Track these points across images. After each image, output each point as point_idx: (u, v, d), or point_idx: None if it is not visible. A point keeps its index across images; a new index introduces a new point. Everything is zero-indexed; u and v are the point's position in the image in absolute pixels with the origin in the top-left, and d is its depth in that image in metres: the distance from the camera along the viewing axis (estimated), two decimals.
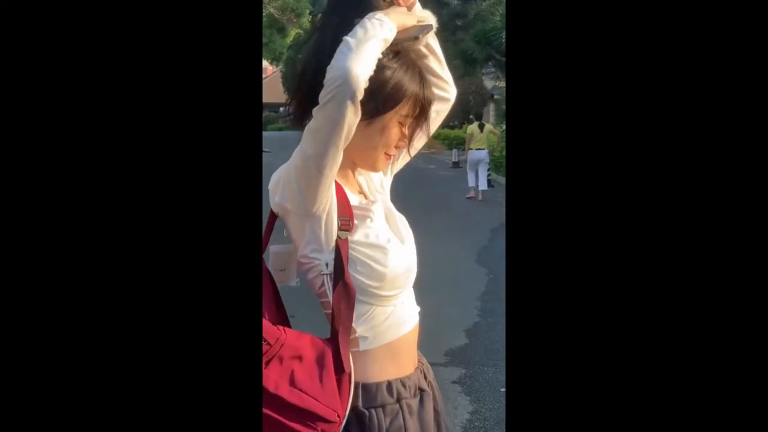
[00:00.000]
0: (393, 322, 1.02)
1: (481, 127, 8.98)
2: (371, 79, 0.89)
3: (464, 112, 14.00)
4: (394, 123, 0.99)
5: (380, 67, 0.91)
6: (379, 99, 0.94)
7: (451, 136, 15.75)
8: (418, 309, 1.07)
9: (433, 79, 1.06)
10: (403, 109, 0.98)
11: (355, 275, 0.97)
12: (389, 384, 1.01)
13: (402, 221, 1.08)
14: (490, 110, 17.74)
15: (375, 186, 1.11)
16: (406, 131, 1.02)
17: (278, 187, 0.99)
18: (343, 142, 0.90)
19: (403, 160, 1.14)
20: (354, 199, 1.02)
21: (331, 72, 0.87)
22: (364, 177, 1.10)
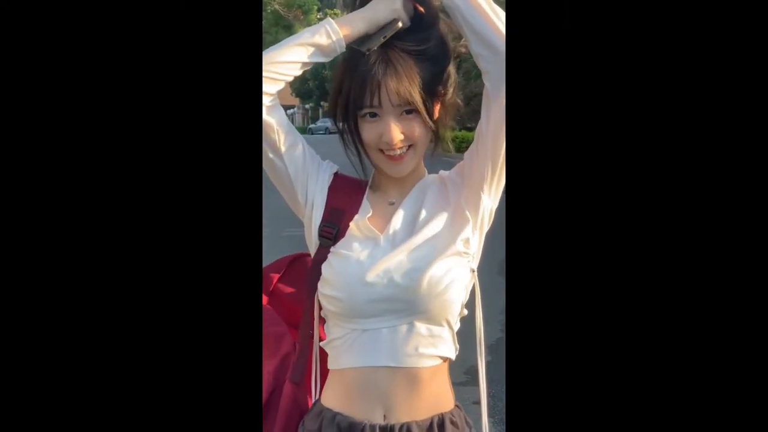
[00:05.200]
0: (350, 348, 0.95)
1: None
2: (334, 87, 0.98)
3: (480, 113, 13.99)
4: (360, 122, 0.96)
5: (341, 64, 0.98)
6: (338, 101, 0.98)
7: (469, 139, 15.66)
8: (412, 354, 0.93)
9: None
10: (360, 101, 0.94)
11: (321, 284, 0.97)
12: (335, 416, 0.95)
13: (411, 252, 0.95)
14: None
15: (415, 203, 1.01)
16: (393, 126, 0.93)
17: None
18: (270, 148, 0.97)
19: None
20: (365, 209, 1.00)
21: None
22: (396, 187, 1.04)
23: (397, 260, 0.93)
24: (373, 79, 0.91)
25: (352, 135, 0.98)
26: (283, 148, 0.98)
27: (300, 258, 1.12)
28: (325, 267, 0.97)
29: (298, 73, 0.96)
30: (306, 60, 0.95)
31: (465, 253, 0.96)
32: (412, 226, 0.97)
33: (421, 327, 0.93)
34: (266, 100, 0.94)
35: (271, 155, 0.98)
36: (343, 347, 0.96)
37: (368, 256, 0.94)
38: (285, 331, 1.09)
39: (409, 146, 0.96)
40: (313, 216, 1.00)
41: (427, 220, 0.97)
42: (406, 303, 0.92)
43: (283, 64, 0.93)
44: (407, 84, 0.91)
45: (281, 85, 0.95)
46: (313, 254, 1.00)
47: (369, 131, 0.95)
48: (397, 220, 0.98)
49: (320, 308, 1.00)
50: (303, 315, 1.03)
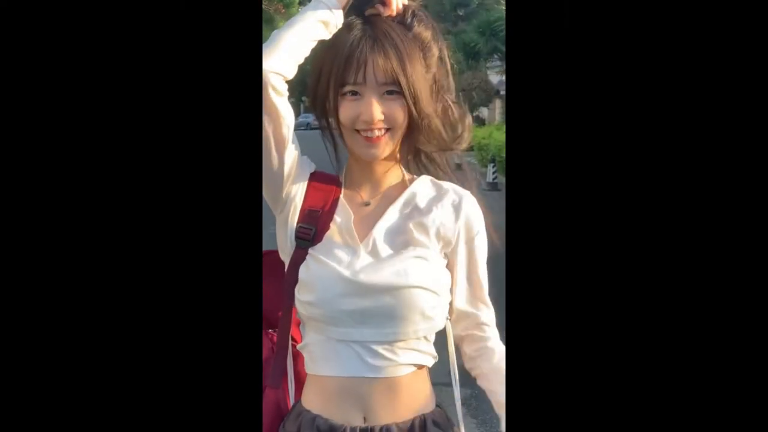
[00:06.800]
0: (326, 356, 0.95)
1: None
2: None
3: (468, 109, 13.94)
4: (340, 101, 0.95)
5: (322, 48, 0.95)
6: (318, 83, 0.96)
7: None
8: (392, 364, 0.93)
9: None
10: (343, 77, 0.92)
11: (297, 287, 0.96)
12: (315, 418, 0.95)
13: (399, 261, 0.94)
14: (496, 107, 17.74)
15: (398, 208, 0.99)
16: (374, 103, 0.92)
17: None
18: (276, 142, 0.94)
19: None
20: (345, 211, 0.99)
21: None
22: (372, 183, 1.02)
23: (380, 276, 0.92)
24: (360, 55, 0.91)
25: (328, 116, 0.97)
26: (286, 144, 0.95)
27: (267, 255, 1.08)
28: (302, 269, 0.95)
29: (308, 53, 0.94)
30: (315, 38, 0.94)
31: (446, 301, 0.96)
32: (394, 239, 0.96)
33: (398, 342, 0.93)
34: (282, 87, 0.92)
35: (273, 150, 0.95)
36: (320, 354, 0.96)
37: (348, 266, 0.93)
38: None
39: (387, 129, 0.95)
40: (290, 217, 0.99)
41: (413, 241, 0.96)
42: (384, 318, 0.92)
43: (297, 46, 0.92)
44: (395, 62, 0.91)
45: (296, 69, 0.94)
46: (288, 255, 0.99)
47: (348, 110, 0.94)
48: (380, 230, 0.96)
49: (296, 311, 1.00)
50: (281, 317, 1.01)
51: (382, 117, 0.93)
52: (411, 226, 0.96)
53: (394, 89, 0.93)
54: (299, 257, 0.96)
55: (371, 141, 0.95)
